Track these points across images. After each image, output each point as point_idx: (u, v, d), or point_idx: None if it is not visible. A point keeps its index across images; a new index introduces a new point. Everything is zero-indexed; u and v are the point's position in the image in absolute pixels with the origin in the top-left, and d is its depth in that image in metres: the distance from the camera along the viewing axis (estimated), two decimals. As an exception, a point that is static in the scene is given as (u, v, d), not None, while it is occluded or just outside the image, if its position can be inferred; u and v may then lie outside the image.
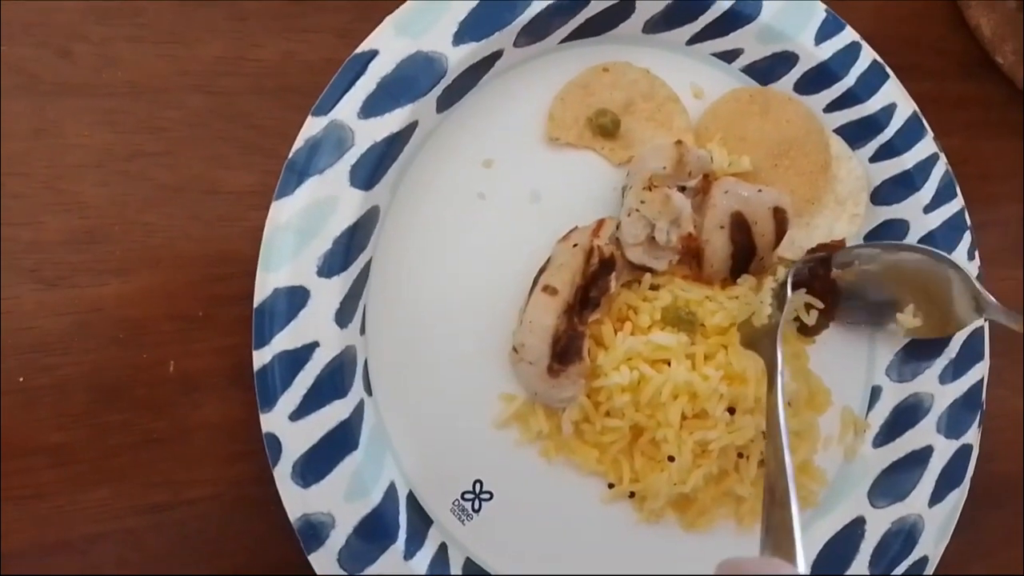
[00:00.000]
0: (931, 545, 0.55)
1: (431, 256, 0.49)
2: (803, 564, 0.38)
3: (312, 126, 0.45)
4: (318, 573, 0.43)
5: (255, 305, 0.43)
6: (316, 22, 0.49)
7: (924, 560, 0.55)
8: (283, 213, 0.44)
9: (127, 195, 0.45)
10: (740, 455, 0.52)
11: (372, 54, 0.46)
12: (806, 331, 0.56)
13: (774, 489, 0.42)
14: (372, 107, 0.46)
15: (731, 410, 0.50)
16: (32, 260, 0.43)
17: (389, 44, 0.47)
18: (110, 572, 0.42)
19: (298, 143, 0.45)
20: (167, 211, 0.45)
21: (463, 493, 0.49)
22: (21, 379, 0.42)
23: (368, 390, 0.47)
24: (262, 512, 0.45)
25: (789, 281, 0.52)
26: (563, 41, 0.53)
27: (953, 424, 0.57)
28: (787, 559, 0.39)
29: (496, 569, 0.48)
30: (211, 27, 0.47)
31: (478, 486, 0.49)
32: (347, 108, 0.45)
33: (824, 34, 0.56)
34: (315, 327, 0.44)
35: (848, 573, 0.54)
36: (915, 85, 0.59)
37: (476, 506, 0.49)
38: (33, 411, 0.42)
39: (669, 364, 0.49)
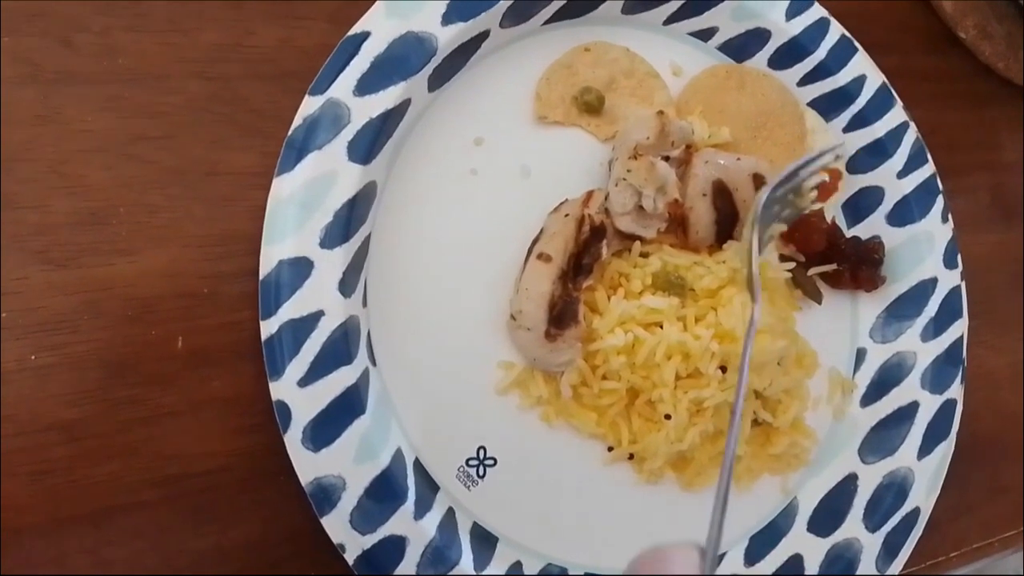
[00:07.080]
0: (922, 497, 0.57)
1: (427, 231, 0.51)
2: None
3: (309, 105, 0.47)
4: (331, 536, 0.44)
5: (261, 277, 0.45)
6: (308, 9, 0.51)
7: (916, 511, 0.57)
8: (285, 188, 0.45)
9: (131, 178, 0.46)
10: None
11: (364, 35, 0.48)
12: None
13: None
14: (367, 85, 0.47)
15: (723, 368, 0.52)
16: (40, 242, 0.44)
17: (381, 25, 0.48)
18: (125, 544, 0.43)
19: (297, 121, 0.47)
20: (170, 192, 0.46)
21: (467, 459, 0.50)
22: (33, 357, 0.43)
23: (372, 361, 0.48)
24: (273, 483, 0.46)
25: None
26: (546, 23, 0.55)
27: (937, 380, 0.59)
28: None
29: (502, 533, 0.49)
30: (207, 15, 0.49)
31: (482, 452, 0.50)
32: (343, 87, 0.47)
33: (794, 11, 0.59)
34: (320, 296, 0.45)
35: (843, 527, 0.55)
36: (881, 60, 0.62)
37: (481, 472, 0.50)
38: (45, 388, 0.43)
39: (662, 327, 0.51)
